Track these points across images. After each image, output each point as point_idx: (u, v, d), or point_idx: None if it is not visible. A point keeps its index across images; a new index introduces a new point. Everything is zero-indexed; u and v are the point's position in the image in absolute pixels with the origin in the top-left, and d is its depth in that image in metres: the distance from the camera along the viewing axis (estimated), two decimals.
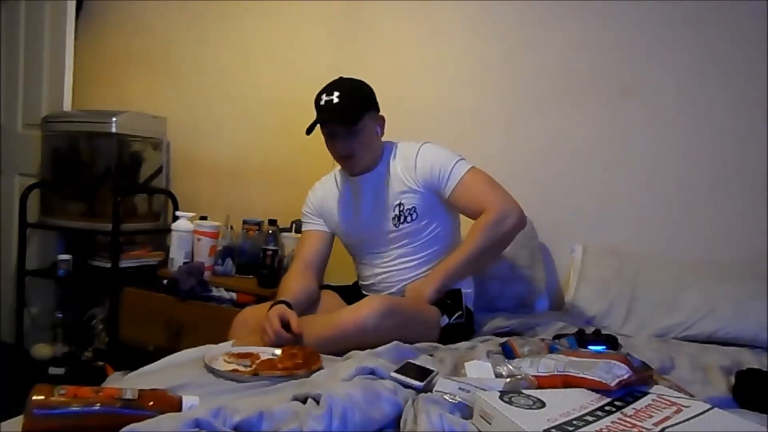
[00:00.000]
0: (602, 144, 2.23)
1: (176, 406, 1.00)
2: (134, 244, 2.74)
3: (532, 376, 1.13)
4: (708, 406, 1.04)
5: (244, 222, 2.54)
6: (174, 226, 2.42)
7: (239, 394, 1.17)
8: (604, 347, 1.49)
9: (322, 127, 1.73)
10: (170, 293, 2.19)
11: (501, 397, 0.99)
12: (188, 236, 2.38)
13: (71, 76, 2.85)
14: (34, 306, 2.86)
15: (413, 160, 1.75)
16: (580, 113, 2.25)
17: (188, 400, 1.02)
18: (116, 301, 2.40)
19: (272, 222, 2.45)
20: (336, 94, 1.70)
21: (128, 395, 0.98)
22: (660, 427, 0.96)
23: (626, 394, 1.07)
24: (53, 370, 2.63)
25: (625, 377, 1.07)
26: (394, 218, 1.75)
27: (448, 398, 1.05)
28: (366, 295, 1.75)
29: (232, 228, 2.55)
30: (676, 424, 0.97)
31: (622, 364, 1.09)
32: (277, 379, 1.24)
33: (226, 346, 1.46)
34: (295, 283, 1.73)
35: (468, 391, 1.06)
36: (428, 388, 1.13)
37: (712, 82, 2.10)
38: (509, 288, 2.12)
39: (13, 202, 2.86)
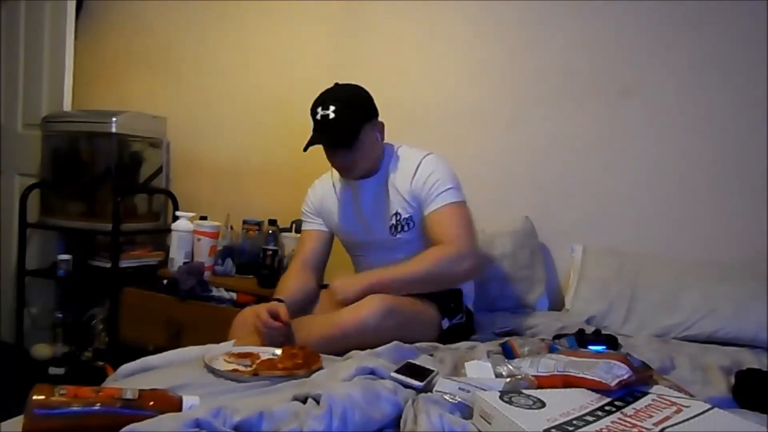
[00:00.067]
0: (602, 144, 2.23)
1: (176, 406, 1.00)
2: (134, 244, 2.74)
3: (532, 376, 1.13)
4: (708, 406, 1.05)
5: (244, 222, 2.54)
6: (174, 226, 2.42)
7: (239, 394, 1.17)
8: (604, 347, 1.49)
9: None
10: (170, 293, 2.19)
11: (501, 397, 0.99)
12: (188, 236, 2.38)
13: (71, 76, 2.85)
14: (34, 306, 2.86)
15: (413, 172, 1.71)
16: (580, 113, 2.25)
17: (188, 400, 1.02)
18: (116, 301, 2.40)
19: (272, 222, 2.45)
20: (332, 108, 1.64)
21: (128, 395, 0.98)
22: (660, 427, 0.96)
23: (626, 394, 1.07)
24: (53, 370, 2.63)
25: (625, 377, 1.07)
26: (391, 227, 1.73)
27: (448, 398, 1.05)
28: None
29: (232, 228, 2.55)
30: (676, 424, 0.97)
31: (622, 364, 1.09)
32: (277, 379, 1.24)
33: (227, 346, 1.46)
34: (292, 282, 1.73)
35: (468, 391, 1.06)
36: (428, 388, 1.13)
37: (712, 82, 2.10)
38: (509, 288, 2.12)
39: (13, 202, 2.86)
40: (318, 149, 1.80)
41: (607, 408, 1.01)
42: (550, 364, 1.14)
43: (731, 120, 2.08)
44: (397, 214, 1.72)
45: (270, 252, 2.32)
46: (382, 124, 1.77)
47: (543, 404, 0.98)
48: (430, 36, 2.47)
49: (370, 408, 1.00)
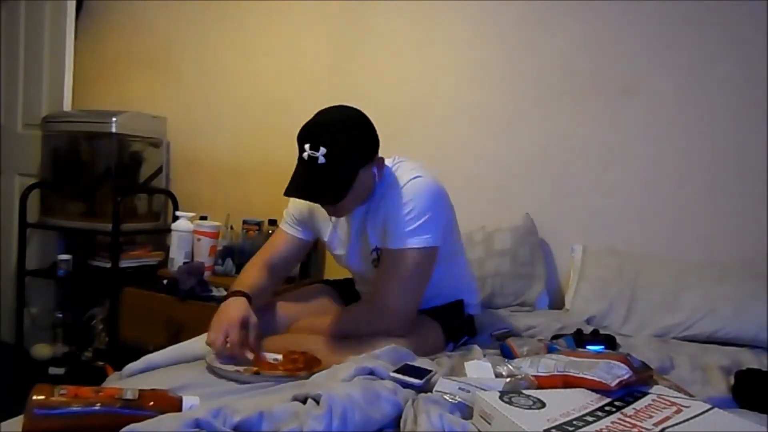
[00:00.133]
0: (602, 144, 2.24)
1: (176, 406, 1.00)
2: (134, 244, 2.74)
3: (532, 376, 1.13)
4: (708, 406, 1.05)
5: (244, 222, 2.54)
6: (174, 226, 2.42)
7: (239, 394, 1.17)
8: (603, 347, 1.49)
9: None
10: (170, 293, 2.19)
11: (501, 397, 0.99)
12: (188, 236, 2.38)
13: (71, 76, 2.85)
14: (34, 306, 2.86)
15: (393, 200, 1.48)
16: (581, 113, 2.25)
17: (188, 401, 1.02)
18: (116, 301, 2.40)
19: (272, 222, 2.45)
20: (322, 151, 1.36)
21: (128, 395, 0.98)
22: (660, 427, 0.96)
23: (626, 394, 1.07)
24: (53, 370, 2.63)
25: (625, 377, 1.07)
26: (373, 261, 1.56)
27: (448, 398, 1.05)
28: (360, 294, 1.74)
29: (232, 228, 2.55)
30: (676, 424, 0.97)
31: (622, 365, 1.09)
32: (278, 379, 1.24)
33: None
34: (255, 277, 1.60)
35: (468, 391, 1.06)
36: (428, 388, 1.13)
37: (712, 82, 2.10)
38: (509, 284, 2.12)
39: (13, 202, 2.86)
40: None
41: (607, 408, 1.01)
42: (550, 364, 1.15)
43: (731, 120, 2.08)
44: (377, 249, 1.54)
45: None
46: (381, 161, 1.50)
47: (543, 404, 0.99)
48: (430, 36, 2.48)
49: (370, 408, 1.00)
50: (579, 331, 1.58)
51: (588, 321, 1.95)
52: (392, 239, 1.46)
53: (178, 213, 2.53)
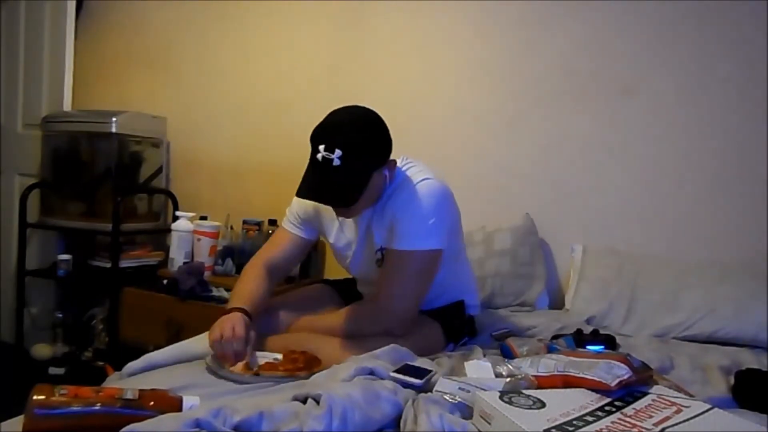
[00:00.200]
0: (602, 144, 2.24)
1: (176, 406, 1.00)
2: (134, 244, 2.74)
3: (532, 376, 1.13)
4: (708, 406, 1.05)
5: (244, 222, 2.54)
6: (174, 226, 2.42)
7: (239, 394, 1.17)
8: (602, 347, 1.49)
9: None
10: (170, 293, 2.19)
11: (501, 397, 0.99)
12: (188, 236, 2.38)
13: (71, 76, 2.85)
14: (34, 306, 2.86)
15: (400, 201, 1.49)
16: (581, 113, 2.25)
17: (189, 401, 1.02)
18: (116, 301, 2.40)
19: (272, 222, 2.45)
20: (338, 153, 1.33)
21: (128, 395, 0.98)
22: (660, 427, 0.96)
23: (626, 394, 1.07)
24: (53, 370, 2.63)
25: (625, 377, 1.07)
26: (377, 261, 1.55)
27: (448, 398, 1.06)
28: (361, 293, 1.74)
29: (232, 228, 2.55)
30: (676, 424, 0.97)
31: (622, 365, 1.09)
32: (278, 380, 1.24)
33: None
34: (255, 285, 1.58)
35: (468, 391, 1.06)
36: (428, 388, 1.13)
37: (712, 82, 2.10)
38: (509, 284, 2.12)
39: (13, 202, 2.86)
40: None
41: (607, 408, 1.01)
42: (550, 364, 1.15)
43: (731, 120, 2.08)
44: (382, 249, 1.53)
45: None
46: (393, 163, 1.49)
47: (543, 404, 0.99)
48: (430, 36, 2.48)
49: (370, 408, 1.00)
50: (579, 331, 1.58)
51: (588, 321, 1.95)
52: (398, 240, 1.46)
53: (178, 213, 2.53)
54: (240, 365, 1.32)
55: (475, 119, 2.40)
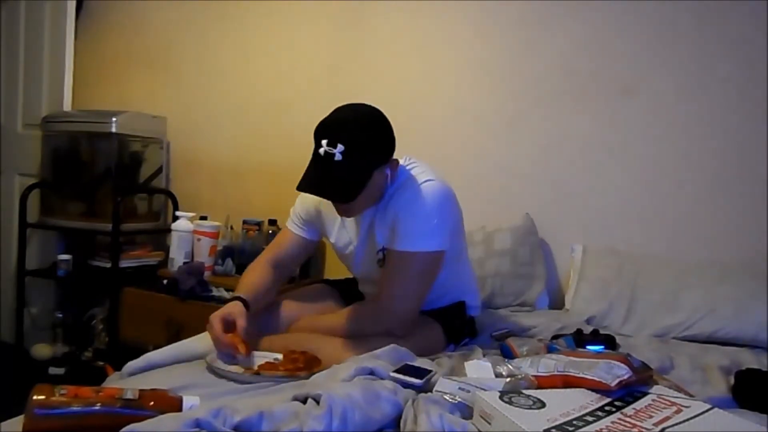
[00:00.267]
0: (602, 144, 2.24)
1: (176, 406, 1.00)
2: (134, 244, 2.74)
3: (532, 376, 1.13)
4: (708, 406, 1.05)
5: (244, 222, 2.54)
6: (174, 226, 2.42)
7: (239, 394, 1.17)
8: (602, 347, 1.49)
9: None
10: (170, 293, 2.19)
11: (501, 397, 0.99)
12: (188, 236, 2.38)
13: (71, 76, 2.85)
14: (34, 306, 2.86)
15: (402, 202, 1.48)
16: (581, 113, 2.25)
17: (189, 401, 1.02)
18: (116, 301, 2.40)
19: (272, 222, 2.46)
20: (340, 148, 1.34)
21: (128, 395, 0.98)
22: (660, 427, 0.96)
23: (626, 394, 1.07)
24: (53, 370, 2.63)
25: (625, 377, 1.07)
26: (379, 261, 1.55)
27: (448, 398, 1.05)
28: (362, 294, 1.74)
29: (232, 228, 2.55)
30: (676, 424, 0.97)
31: (623, 365, 1.09)
32: (278, 380, 1.24)
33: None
34: (258, 278, 1.60)
35: (468, 391, 1.06)
36: (428, 388, 1.13)
37: (712, 82, 2.10)
38: (509, 284, 2.12)
39: (13, 202, 2.86)
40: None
41: (607, 408, 1.01)
42: (550, 364, 1.15)
43: (731, 120, 2.08)
44: (383, 249, 1.53)
45: None
46: (396, 162, 1.49)
47: (543, 404, 0.99)
48: (430, 36, 2.48)
49: (370, 408, 1.00)
50: (579, 331, 1.58)
51: (588, 321, 1.95)
52: (400, 241, 1.46)
53: (178, 213, 2.53)
54: (240, 367, 1.32)
55: (475, 119, 2.40)
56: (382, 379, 1.14)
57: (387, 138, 1.45)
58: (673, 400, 1.07)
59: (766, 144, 2.03)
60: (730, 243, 2.07)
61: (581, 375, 1.09)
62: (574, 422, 0.94)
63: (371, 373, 1.16)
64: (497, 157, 2.37)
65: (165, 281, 2.26)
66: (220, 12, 2.86)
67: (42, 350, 2.73)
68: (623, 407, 1.02)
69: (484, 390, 1.04)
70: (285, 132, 2.67)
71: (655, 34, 2.16)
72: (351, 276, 1.79)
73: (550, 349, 1.40)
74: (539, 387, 1.10)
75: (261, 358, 1.38)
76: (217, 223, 2.44)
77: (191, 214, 2.48)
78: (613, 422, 0.96)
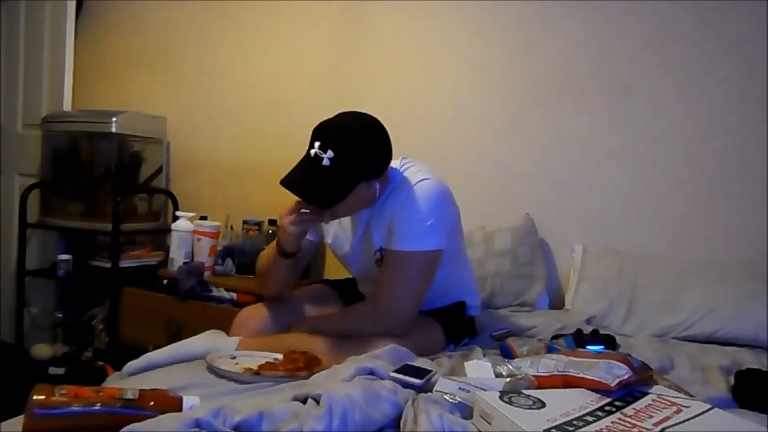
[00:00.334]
0: (602, 144, 2.23)
1: (176, 406, 1.00)
2: (134, 244, 2.74)
3: (532, 376, 1.13)
4: (708, 406, 1.05)
5: (244, 222, 2.54)
6: (174, 226, 2.42)
7: (239, 394, 1.17)
8: (602, 347, 1.49)
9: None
10: (170, 293, 2.19)
11: (501, 397, 0.99)
12: (188, 236, 2.38)
13: (71, 76, 2.85)
14: (34, 306, 2.86)
15: (398, 201, 1.48)
16: (581, 113, 2.25)
17: (189, 401, 1.02)
18: (116, 301, 2.40)
19: (272, 222, 2.45)
20: (329, 153, 1.35)
21: (129, 395, 0.98)
22: (660, 427, 0.96)
23: (626, 394, 1.07)
24: (53, 370, 2.63)
25: (626, 377, 1.07)
26: (377, 261, 1.55)
27: (448, 398, 1.05)
28: (362, 294, 1.74)
29: (232, 228, 2.55)
30: (676, 424, 0.97)
31: (623, 365, 1.09)
32: (278, 380, 1.24)
33: (233, 342, 1.47)
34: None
35: (468, 391, 1.06)
36: (428, 387, 1.13)
37: (712, 82, 2.10)
38: (509, 284, 2.12)
39: (13, 202, 2.86)
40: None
41: (607, 408, 1.01)
42: (550, 364, 1.15)
43: (731, 120, 2.08)
44: (381, 249, 1.53)
45: None
46: (386, 176, 1.49)
47: (543, 404, 0.98)
48: (430, 36, 2.48)
49: (370, 408, 1.00)
50: (579, 331, 1.58)
51: (588, 321, 1.95)
52: (397, 241, 1.46)
53: (178, 213, 2.53)
54: (240, 367, 1.32)
55: (475, 119, 2.40)
56: (382, 379, 1.14)
57: (381, 154, 1.45)
58: (673, 400, 1.07)
59: (766, 144, 2.03)
60: (730, 243, 2.07)
61: (581, 375, 1.09)
62: (574, 422, 0.94)
63: (371, 373, 1.16)
64: (497, 157, 2.37)
65: (165, 281, 2.27)
66: (220, 12, 2.86)
67: (42, 350, 2.73)
68: (623, 407, 1.02)
69: (484, 390, 1.04)
70: (285, 132, 2.67)
71: (655, 34, 2.16)
72: (351, 276, 1.80)
73: (550, 349, 1.40)
74: (539, 387, 1.10)
75: (261, 358, 1.38)
76: (217, 223, 2.44)
77: (191, 214, 2.48)
78: (613, 422, 0.96)
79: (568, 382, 1.10)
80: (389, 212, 1.49)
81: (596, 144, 2.24)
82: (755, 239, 2.03)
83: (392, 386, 1.10)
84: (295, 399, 1.04)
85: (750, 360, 1.61)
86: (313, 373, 1.25)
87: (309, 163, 1.39)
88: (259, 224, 2.52)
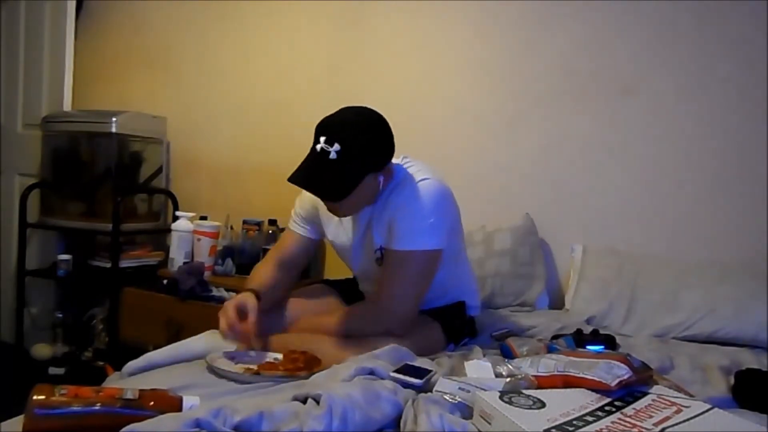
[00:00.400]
0: (602, 144, 2.23)
1: (176, 406, 1.00)
2: (134, 244, 2.74)
3: (532, 376, 1.13)
4: (708, 406, 1.05)
5: (244, 222, 2.54)
6: (174, 226, 2.42)
7: (239, 394, 1.17)
8: (602, 347, 1.49)
9: None
10: (170, 293, 2.19)
11: (501, 397, 0.99)
12: (188, 236, 2.38)
13: (71, 76, 2.85)
14: (34, 306, 2.86)
15: (399, 201, 1.49)
16: (581, 113, 2.25)
17: (189, 401, 1.02)
18: (116, 301, 2.40)
19: (272, 222, 2.45)
20: (336, 147, 1.36)
21: (129, 395, 0.98)
22: (660, 427, 0.96)
23: (626, 394, 1.07)
24: (53, 370, 2.63)
25: (625, 377, 1.07)
26: (377, 260, 1.56)
27: (448, 398, 1.06)
28: (363, 293, 1.74)
29: (232, 228, 2.55)
30: (676, 424, 0.97)
31: (622, 365, 1.09)
32: (278, 380, 1.24)
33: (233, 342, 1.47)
34: (267, 274, 1.64)
35: (468, 391, 1.06)
36: (428, 388, 1.13)
37: (712, 82, 2.10)
38: (509, 284, 2.12)
39: (13, 202, 2.86)
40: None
41: (607, 408, 1.01)
42: (550, 364, 1.15)
43: (731, 120, 2.08)
44: (381, 248, 1.54)
45: None
46: (389, 169, 1.50)
47: (543, 404, 0.99)
48: (430, 36, 2.47)
49: (370, 408, 1.00)
50: (579, 331, 1.58)
51: (588, 321, 1.95)
52: (397, 240, 1.46)
53: (178, 213, 2.53)
54: (240, 367, 1.32)
55: (475, 119, 2.40)
56: (382, 379, 1.14)
57: (385, 146, 1.46)
58: (673, 400, 1.07)
59: (766, 144, 2.03)
60: (730, 243, 2.07)
61: (581, 375, 1.09)
62: (574, 422, 0.94)
63: (371, 373, 1.16)
64: (497, 157, 2.37)
65: (165, 281, 2.26)
66: (220, 12, 2.86)
67: (42, 350, 2.73)
68: (623, 407, 1.02)
69: (484, 390, 1.04)
70: (285, 132, 2.67)
71: (655, 34, 2.16)
72: (351, 276, 1.80)
73: (551, 349, 1.40)
74: (539, 387, 1.10)
75: (261, 357, 1.39)
76: (217, 223, 2.44)
77: (191, 214, 2.48)
78: (613, 422, 0.96)
79: (568, 382, 1.10)
80: (390, 211, 1.49)
81: (596, 144, 2.24)
82: (755, 239, 2.03)
83: (392, 386, 1.10)
84: (295, 399, 1.04)
85: (750, 360, 1.61)
86: (313, 373, 1.25)
87: (315, 158, 1.39)
88: (259, 224, 2.52)
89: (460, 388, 1.08)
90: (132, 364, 1.38)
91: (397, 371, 1.18)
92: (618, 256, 2.12)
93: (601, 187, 2.23)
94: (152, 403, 0.98)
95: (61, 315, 2.80)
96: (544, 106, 2.30)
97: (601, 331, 1.64)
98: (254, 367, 1.32)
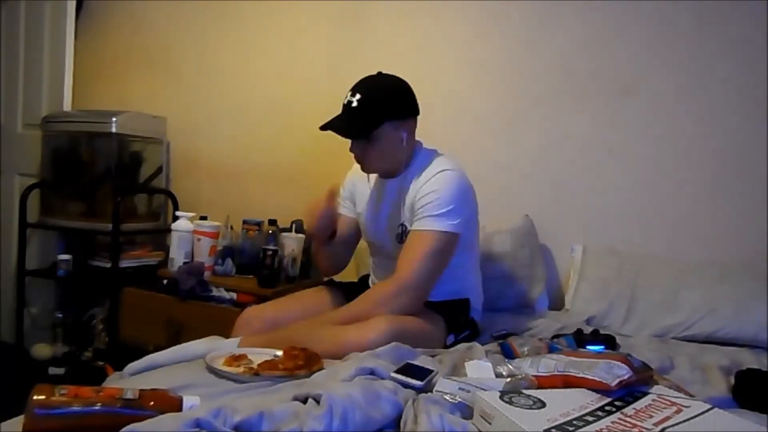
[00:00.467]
0: (602, 144, 2.24)
1: (177, 406, 1.00)
2: (134, 244, 2.74)
3: (533, 376, 1.13)
4: (708, 406, 1.05)
5: (244, 222, 2.54)
6: (174, 226, 2.42)
7: (239, 394, 1.17)
8: (603, 347, 1.49)
9: None
10: (170, 293, 2.19)
11: (501, 397, 0.99)
12: (188, 236, 2.38)
13: (71, 76, 2.85)
14: (34, 306, 2.86)
15: (423, 185, 1.63)
16: (581, 113, 2.25)
17: (189, 400, 1.02)
18: (116, 301, 2.40)
19: (272, 222, 2.45)
20: (357, 96, 1.61)
21: (129, 395, 0.98)
22: (660, 427, 0.96)
23: (626, 394, 1.07)
24: (53, 370, 2.63)
25: (626, 377, 1.07)
26: (397, 236, 1.69)
27: (448, 398, 1.05)
28: (375, 275, 1.76)
29: (232, 228, 2.55)
30: (676, 424, 0.97)
31: (623, 365, 1.09)
32: (278, 379, 1.24)
33: (232, 344, 1.47)
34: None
35: (468, 391, 1.06)
36: (428, 388, 1.13)
37: (712, 82, 2.10)
38: (509, 287, 2.12)
39: (13, 202, 2.86)
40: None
41: (607, 408, 1.01)
42: (550, 364, 1.15)
43: (731, 120, 2.08)
44: (402, 225, 1.68)
45: (270, 252, 2.31)
46: (411, 125, 1.70)
47: (543, 404, 0.99)
48: (430, 36, 2.47)
49: (370, 408, 1.00)
50: (579, 331, 1.58)
51: (588, 321, 1.95)
52: (419, 221, 1.59)
53: (178, 213, 2.53)
54: (240, 367, 1.32)
55: (475, 119, 2.40)
56: (382, 379, 1.14)
57: (403, 97, 1.68)
58: (673, 400, 1.07)
59: (766, 144, 2.03)
60: (730, 243, 2.07)
61: (581, 375, 1.09)
62: (574, 422, 0.94)
63: (372, 372, 1.16)
64: (497, 157, 2.36)
65: (165, 281, 2.26)
66: (220, 12, 2.86)
67: (42, 350, 2.73)
68: (623, 407, 1.02)
69: (485, 390, 1.04)
70: (285, 132, 2.67)
71: (655, 34, 2.16)
72: (355, 280, 1.85)
73: (552, 349, 1.40)
74: (539, 387, 1.10)
75: (261, 355, 1.39)
76: (217, 223, 2.44)
77: (191, 214, 2.48)
78: (613, 422, 0.96)
79: (568, 382, 1.10)
80: (414, 193, 1.63)
81: (596, 144, 2.24)
82: (755, 239, 2.03)
83: (392, 386, 1.10)
84: (295, 399, 1.04)
85: (750, 360, 1.62)
86: (313, 372, 1.25)
87: (343, 108, 1.62)
88: (259, 224, 2.52)
89: (460, 388, 1.08)
90: (134, 366, 1.38)
91: (398, 371, 1.18)
92: (618, 256, 2.12)
93: (601, 187, 2.23)
94: (152, 403, 0.98)
95: (61, 315, 2.80)
96: (544, 106, 2.30)
97: (601, 331, 1.64)
98: (254, 366, 1.32)
